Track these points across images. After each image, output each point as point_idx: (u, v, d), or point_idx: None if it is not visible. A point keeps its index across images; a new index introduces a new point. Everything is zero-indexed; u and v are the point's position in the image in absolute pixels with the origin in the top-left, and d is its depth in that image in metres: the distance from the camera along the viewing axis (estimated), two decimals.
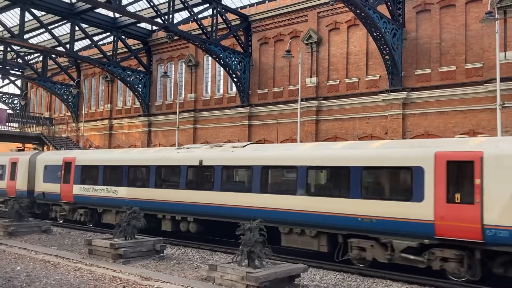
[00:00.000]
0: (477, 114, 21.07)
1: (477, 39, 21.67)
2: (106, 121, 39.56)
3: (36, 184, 24.72)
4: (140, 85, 35.68)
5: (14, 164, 26.51)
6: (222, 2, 29.03)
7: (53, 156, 24.79)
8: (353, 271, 12.79)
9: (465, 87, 21.50)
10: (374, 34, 22.03)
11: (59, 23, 33.87)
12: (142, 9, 31.56)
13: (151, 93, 36.42)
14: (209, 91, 32.95)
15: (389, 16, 23.10)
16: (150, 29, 35.67)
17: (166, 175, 19.02)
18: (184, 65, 34.25)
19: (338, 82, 26.15)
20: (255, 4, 30.31)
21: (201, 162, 17.30)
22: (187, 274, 12.14)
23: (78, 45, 35.08)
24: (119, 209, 18.66)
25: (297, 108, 24.20)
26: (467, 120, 21.37)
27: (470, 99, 21.32)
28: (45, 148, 39.96)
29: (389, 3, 23.32)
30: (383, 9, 22.83)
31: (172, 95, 35.27)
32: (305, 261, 13.15)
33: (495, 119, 18.85)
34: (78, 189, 21.97)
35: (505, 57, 20.29)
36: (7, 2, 30.06)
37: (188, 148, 19.27)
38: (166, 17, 25.74)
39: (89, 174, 21.87)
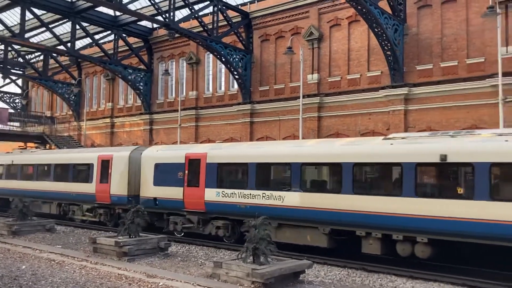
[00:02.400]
0: (479, 109, 21.05)
1: (479, 34, 21.63)
2: (107, 120, 39.59)
3: (142, 188, 19.60)
4: (141, 83, 35.67)
5: (105, 163, 21.37)
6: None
7: (168, 152, 19.59)
8: (357, 267, 12.83)
9: (467, 82, 21.46)
10: (376, 30, 22.01)
11: (60, 22, 33.87)
12: (143, 7, 31.54)
13: (153, 91, 36.43)
14: (211, 89, 32.94)
15: (390, 12, 23.04)
16: (151, 27, 35.64)
17: (371, 176, 14.30)
18: (185, 63, 34.24)
19: (339, 79, 26.14)
20: (256, 1, 30.26)
21: (443, 158, 12.15)
22: (192, 271, 12.19)
23: (79, 44, 35.09)
24: (285, 221, 14.99)
25: (299, 105, 24.20)
26: (469, 115, 21.34)
27: (472, 94, 21.29)
28: (47, 147, 40.02)
29: None
30: (384, 4, 22.78)
31: (174, 93, 35.27)
32: (309, 257, 13.19)
33: (497, 113, 18.87)
34: (212, 194, 16.91)
35: (506, 52, 20.25)
36: (7, 2, 30.11)
37: (404, 138, 13.82)
38: (167, 14, 25.73)
39: (231, 174, 17.51)
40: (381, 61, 24.02)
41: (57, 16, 32.15)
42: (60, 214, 24.08)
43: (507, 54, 20.19)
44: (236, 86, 30.56)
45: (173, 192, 18.15)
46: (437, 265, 12.70)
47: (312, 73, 27.03)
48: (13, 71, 43.87)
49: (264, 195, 15.49)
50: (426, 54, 23.13)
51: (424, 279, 11.57)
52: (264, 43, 29.86)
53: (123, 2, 24.82)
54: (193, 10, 27.57)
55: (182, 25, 27.56)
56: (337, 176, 14.39)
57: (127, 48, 35.34)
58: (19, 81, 49.70)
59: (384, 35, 21.99)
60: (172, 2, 25.91)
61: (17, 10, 32.23)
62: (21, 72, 45.65)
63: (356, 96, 25.02)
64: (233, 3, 30.41)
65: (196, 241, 17.10)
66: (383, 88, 23.83)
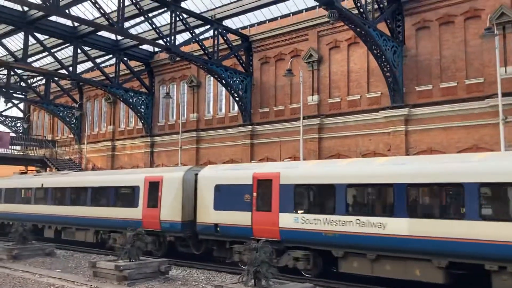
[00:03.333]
0: (480, 129, 21.08)
1: (477, 55, 21.82)
2: (108, 143, 39.64)
3: (199, 213, 17.62)
4: (142, 106, 35.85)
5: (154, 185, 19.32)
6: (223, 23, 29.39)
7: (231, 172, 17.61)
8: None
9: (466, 102, 21.54)
10: (375, 51, 22.21)
11: (62, 46, 34.25)
12: (144, 31, 31.94)
13: (154, 114, 36.57)
14: (211, 111, 33.09)
15: (389, 34, 23.32)
16: (152, 50, 36.03)
17: (508, 197, 11.79)
18: (186, 86, 34.48)
19: (339, 100, 26.26)
20: (256, 25, 30.64)
21: None
22: None
23: (80, 68, 35.46)
24: (386, 253, 12.94)
25: (299, 126, 24.26)
26: (469, 136, 21.36)
27: (472, 115, 21.34)
28: (47, 170, 39.99)
29: (388, 21, 23.58)
30: (383, 26, 23.05)
31: (175, 115, 35.42)
32: (311, 280, 13.01)
33: (497, 133, 18.90)
34: (289, 220, 14.87)
35: (505, 72, 20.39)
36: (11, 27, 30.49)
37: None
38: (168, 38, 26.02)
39: (313, 197, 15.36)
40: (381, 82, 24.16)
41: (59, 41, 32.54)
42: (97, 242, 21.99)
43: (506, 75, 20.32)
44: (236, 108, 30.70)
45: (239, 218, 16.09)
46: None
47: (312, 95, 27.17)
48: (15, 95, 44.15)
49: (358, 221, 13.29)
50: (425, 75, 23.28)
51: None
52: (264, 66, 30.11)
53: (124, 27, 25.12)
54: (193, 34, 27.91)
55: (183, 48, 27.85)
56: (456, 199, 12.51)
57: (128, 71, 35.66)
58: (21, 105, 50.00)
59: (383, 56, 22.18)
60: (173, 26, 26.24)
61: (20, 35, 32.67)
62: (23, 96, 45.98)
63: (356, 117, 25.09)
64: (233, 27, 30.80)
65: (197, 264, 16.90)
66: (383, 109, 23.91)
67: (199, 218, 17.55)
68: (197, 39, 27.99)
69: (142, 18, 26.96)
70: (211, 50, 28.15)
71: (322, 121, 26.33)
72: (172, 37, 26.04)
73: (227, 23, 30.24)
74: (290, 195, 15.07)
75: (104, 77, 34.54)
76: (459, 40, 22.41)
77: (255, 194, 15.99)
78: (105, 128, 41.02)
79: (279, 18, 29.51)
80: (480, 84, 21.53)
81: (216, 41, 28.29)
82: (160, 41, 26.94)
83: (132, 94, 35.26)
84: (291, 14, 28.91)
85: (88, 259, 17.80)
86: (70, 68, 32.00)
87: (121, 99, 34.82)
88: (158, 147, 35.85)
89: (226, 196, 16.75)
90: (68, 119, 41.57)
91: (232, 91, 29.02)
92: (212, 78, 30.92)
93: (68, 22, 30.82)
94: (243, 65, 30.32)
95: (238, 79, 29.30)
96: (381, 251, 12.93)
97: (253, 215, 15.81)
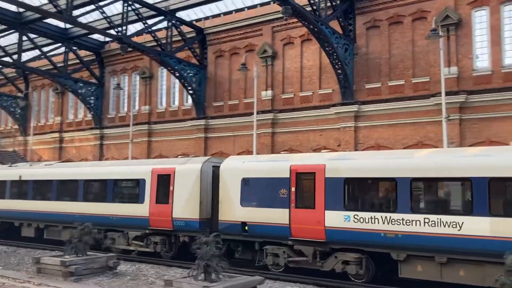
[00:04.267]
0: (425, 126, 21.96)
1: (424, 54, 22.69)
2: (56, 134, 38.22)
3: (222, 210, 15.61)
4: (92, 97, 34.82)
5: (164, 178, 17.20)
6: (177, 15, 28.95)
7: (261, 164, 15.62)
8: (309, 282, 12.92)
9: (413, 100, 22.39)
10: (327, 49, 22.62)
11: (6, 32, 32.58)
12: (95, 20, 30.90)
13: (104, 106, 35.61)
14: (164, 104, 32.61)
15: (341, 32, 23.81)
16: (103, 40, 34.99)
17: None
18: (138, 77, 33.78)
19: (292, 96, 26.58)
20: (210, 17, 30.41)
21: None
22: None
23: (26, 56, 33.86)
24: (461, 256, 11.48)
25: (253, 121, 24.38)
26: (415, 132, 22.21)
27: (418, 112, 22.21)
28: None
29: (340, 19, 24.06)
30: (335, 24, 23.50)
31: (126, 108, 34.63)
32: (262, 273, 13.15)
33: (441, 131, 19.75)
34: (339, 219, 13.16)
35: (449, 72, 21.34)
36: None
37: None
38: (120, 28, 25.37)
39: (368, 193, 13.69)
40: (332, 79, 24.66)
41: (3, 26, 30.95)
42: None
43: (449, 75, 21.27)
44: (190, 101, 30.41)
45: (273, 215, 14.32)
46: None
47: (266, 90, 27.35)
48: None
49: (427, 221, 11.78)
50: (375, 73, 23.96)
51: None
52: (219, 59, 29.97)
53: (74, 15, 24.25)
54: (146, 25, 27.35)
55: (135, 39, 27.26)
56: None
57: (78, 61, 34.44)
58: None
59: (335, 54, 22.63)
60: (125, 16, 25.61)
61: None
62: None
63: (308, 113, 25.50)
64: (187, 19, 30.41)
65: (147, 259, 16.68)
66: (334, 105, 24.42)
67: (222, 215, 15.51)
68: (150, 30, 27.45)
69: (92, 6, 26.11)
70: (164, 41, 27.70)
71: (276, 116, 26.56)
72: (124, 27, 25.42)
73: (181, 14, 29.81)
74: (339, 190, 13.37)
75: (52, 66, 33.23)
76: (407, 40, 23.20)
77: (293, 188, 14.20)
78: (53, 119, 39.51)
79: (233, 12, 29.43)
80: (426, 83, 22.41)
81: (169, 33, 27.86)
82: (112, 31, 26.22)
83: (81, 84, 34.13)
84: (245, 9, 28.92)
85: (32, 255, 17.14)
86: (15, 56, 30.54)
87: (70, 89, 33.62)
88: (108, 139, 34.96)
89: (256, 190, 14.92)
90: (12, 109, 39.74)
91: (186, 84, 28.71)
92: (165, 70, 30.48)
93: (13, 8, 29.34)
94: (197, 58, 30.04)
95: (192, 72, 29.00)
96: (455, 254, 11.51)
97: (291, 212, 14.06)
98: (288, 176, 14.33)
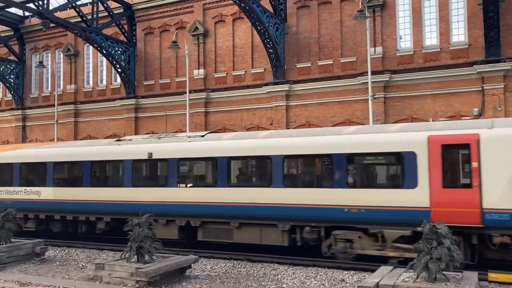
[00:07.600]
0: (352, 105, 22.83)
1: (351, 35, 23.41)
2: None
3: None
4: (11, 76, 32.65)
5: (456, 151, 11.77)
6: None
7: None
8: (243, 258, 13.19)
9: (341, 79, 23.12)
10: (258, 27, 22.68)
11: None
12: None
13: (25, 85, 33.53)
14: (91, 82, 31.28)
15: (272, 11, 23.91)
16: (22, 14, 32.71)
17: None
18: (62, 55, 32.05)
19: (225, 74, 26.48)
20: None
21: None
22: (72, 275, 11.55)
23: None
24: None
25: (186, 100, 24.08)
26: (343, 110, 23.04)
27: (346, 91, 22.99)
28: None
29: None
30: (266, 3, 23.56)
31: (50, 87, 32.84)
32: (196, 252, 13.24)
33: (367, 109, 20.66)
34: None
35: (375, 52, 22.22)
36: None
37: None
38: (40, 2, 23.79)
39: None
40: (264, 59, 24.83)
41: None
42: (291, 246, 13.60)
43: (375, 55, 22.16)
44: (119, 80, 29.40)
45: None
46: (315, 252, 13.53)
47: (198, 68, 27.02)
48: None
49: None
50: (305, 53, 24.42)
51: (303, 265, 12.29)
52: (148, 36, 29.11)
53: None
54: None
55: (58, 14, 25.71)
56: None
57: None
58: None
59: (266, 33, 22.76)
60: None
61: None
62: None
63: (241, 92, 25.58)
64: None
65: (77, 244, 16.18)
66: (266, 84, 24.67)
67: None
68: (73, 4, 26.02)
69: None
70: (90, 17, 26.39)
71: (209, 95, 26.39)
72: (45, 1, 23.87)
73: None
74: None
75: None
76: (335, 20, 23.79)
77: None
78: None
79: None
80: (353, 63, 23.19)
81: (95, 8, 26.55)
82: (31, 5, 24.51)
83: None
84: None
85: None
86: None
87: None
88: (31, 121, 33.07)
89: None
90: None
91: (114, 62, 27.66)
92: (91, 47, 29.15)
93: None
94: (126, 35, 28.96)
95: (120, 49, 27.97)
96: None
97: None
98: None
